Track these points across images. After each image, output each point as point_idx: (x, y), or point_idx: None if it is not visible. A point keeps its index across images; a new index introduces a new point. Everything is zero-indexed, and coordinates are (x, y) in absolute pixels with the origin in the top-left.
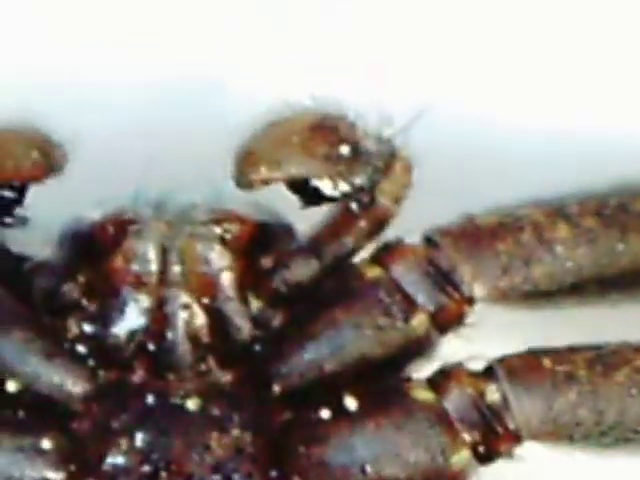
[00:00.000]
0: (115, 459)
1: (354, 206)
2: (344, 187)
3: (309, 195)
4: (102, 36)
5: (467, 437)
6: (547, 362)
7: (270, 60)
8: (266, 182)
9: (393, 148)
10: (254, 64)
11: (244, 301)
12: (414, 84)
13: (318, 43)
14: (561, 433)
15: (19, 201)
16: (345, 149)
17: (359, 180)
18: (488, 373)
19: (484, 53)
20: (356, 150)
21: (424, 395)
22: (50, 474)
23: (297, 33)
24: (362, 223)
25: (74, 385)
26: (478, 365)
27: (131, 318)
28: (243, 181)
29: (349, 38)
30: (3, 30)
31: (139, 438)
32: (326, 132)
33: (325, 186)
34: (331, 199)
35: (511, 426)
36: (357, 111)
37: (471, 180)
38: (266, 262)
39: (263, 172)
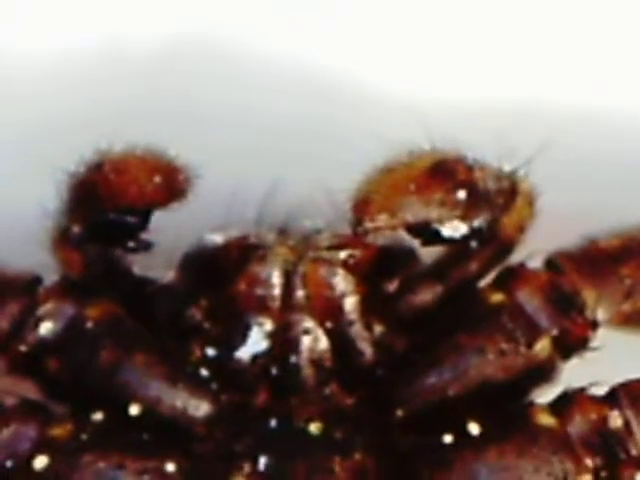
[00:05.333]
0: None
1: (474, 244)
2: (463, 229)
3: (428, 237)
4: None
5: (589, 463)
6: None
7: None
8: (383, 230)
9: (514, 184)
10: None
11: (367, 325)
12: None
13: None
14: None
15: (143, 226)
16: (462, 194)
17: (478, 222)
18: (611, 399)
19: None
20: (474, 193)
21: (547, 420)
22: None
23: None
24: (486, 251)
25: (197, 408)
26: (601, 390)
27: (254, 342)
28: (360, 229)
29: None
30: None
31: (262, 462)
32: (443, 177)
33: (444, 229)
34: (451, 240)
35: (633, 452)
36: (477, 149)
37: (594, 202)
38: (390, 286)
39: (380, 220)
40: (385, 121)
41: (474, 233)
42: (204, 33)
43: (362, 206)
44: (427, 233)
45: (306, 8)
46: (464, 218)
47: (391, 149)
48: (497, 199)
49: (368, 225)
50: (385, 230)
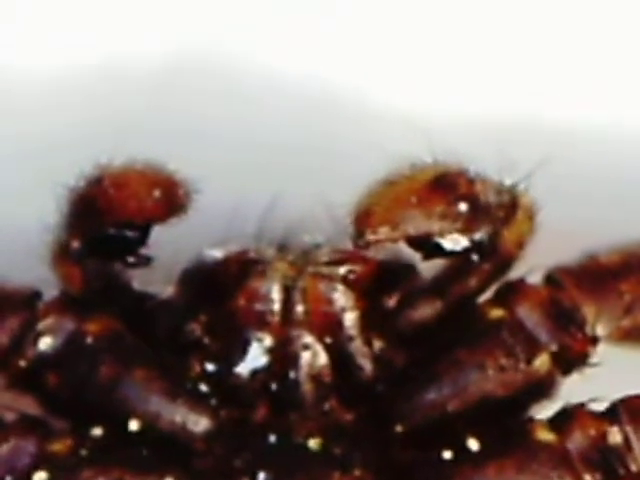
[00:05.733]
0: None
1: (475, 257)
2: (464, 242)
3: (430, 250)
4: None
5: (589, 478)
6: None
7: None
8: (384, 242)
9: (514, 198)
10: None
11: (367, 341)
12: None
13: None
14: None
15: (142, 241)
16: (463, 206)
17: (479, 235)
18: (610, 414)
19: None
20: (475, 206)
21: (546, 436)
22: None
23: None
24: (486, 266)
25: (196, 424)
26: (600, 406)
27: (253, 357)
28: (361, 241)
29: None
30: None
31: (261, 477)
32: (444, 190)
33: (445, 242)
34: (452, 253)
35: (633, 468)
36: (478, 163)
37: (593, 217)
38: (389, 302)
39: (381, 233)
40: (387, 135)
41: (475, 246)
42: (204, 49)
43: (363, 218)
44: (428, 246)
45: (306, 23)
46: (465, 231)
47: (392, 162)
48: (498, 213)
49: (369, 237)
50: (386, 242)
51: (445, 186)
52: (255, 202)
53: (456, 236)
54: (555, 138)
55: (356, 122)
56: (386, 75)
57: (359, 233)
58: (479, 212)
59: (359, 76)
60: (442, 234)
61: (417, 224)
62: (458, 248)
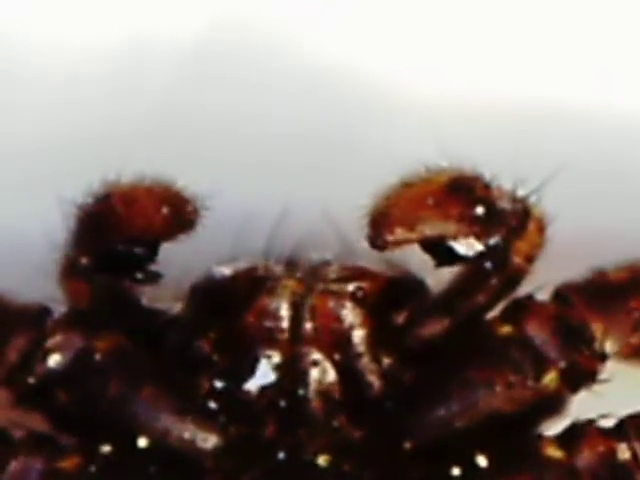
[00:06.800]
0: None
1: (488, 265)
2: (478, 247)
3: (443, 255)
4: None
5: None
6: None
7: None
8: (401, 243)
9: (527, 207)
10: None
11: (375, 358)
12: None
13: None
14: None
15: (151, 257)
16: (480, 210)
17: (493, 241)
18: (619, 431)
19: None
20: (491, 211)
21: (555, 453)
22: None
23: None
24: (495, 281)
25: (205, 441)
26: (608, 422)
27: (262, 374)
28: (377, 242)
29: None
30: None
31: None
32: (461, 193)
33: (459, 246)
34: (465, 259)
35: None
36: (492, 170)
37: (601, 232)
38: (398, 318)
39: (398, 233)
40: (400, 135)
41: (489, 252)
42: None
43: (380, 219)
44: (442, 251)
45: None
46: (480, 235)
47: (407, 163)
48: (511, 221)
49: (387, 238)
50: (403, 244)
51: (462, 189)
52: (265, 212)
53: (471, 240)
54: (573, 134)
55: (371, 120)
56: (403, 70)
57: (376, 234)
58: (495, 217)
59: (374, 72)
60: (458, 237)
61: (434, 225)
62: (472, 253)
